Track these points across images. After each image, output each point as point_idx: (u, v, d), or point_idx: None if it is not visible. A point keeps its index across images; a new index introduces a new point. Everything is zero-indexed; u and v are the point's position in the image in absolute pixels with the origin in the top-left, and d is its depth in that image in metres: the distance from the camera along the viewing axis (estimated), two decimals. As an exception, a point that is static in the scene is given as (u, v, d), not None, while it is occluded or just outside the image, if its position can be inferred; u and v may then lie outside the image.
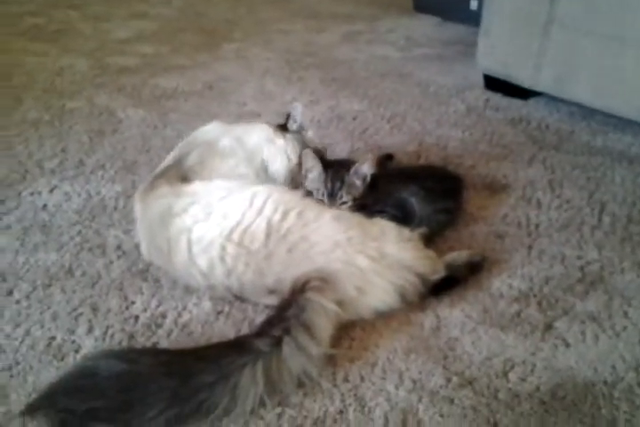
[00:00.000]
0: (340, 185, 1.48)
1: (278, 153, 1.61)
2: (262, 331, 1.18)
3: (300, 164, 1.57)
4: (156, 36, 3.21)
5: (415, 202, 1.50)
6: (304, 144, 1.64)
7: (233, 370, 1.07)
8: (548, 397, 1.13)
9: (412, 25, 3.43)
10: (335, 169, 1.51)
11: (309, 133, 1.69)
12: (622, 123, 2.17)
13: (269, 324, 1.19)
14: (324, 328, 1.19)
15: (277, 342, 1.13)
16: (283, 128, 1.66)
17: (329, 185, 1.48)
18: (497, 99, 2.45)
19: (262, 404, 1.09)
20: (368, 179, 1.50)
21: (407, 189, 1.52)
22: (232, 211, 1.35)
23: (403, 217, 1.45)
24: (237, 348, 1.14)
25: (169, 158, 1.57)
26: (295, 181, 1.59)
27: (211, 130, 1.63)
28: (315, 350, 1.15)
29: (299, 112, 1.64)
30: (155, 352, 1.21)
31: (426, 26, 3.42)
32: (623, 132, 2.16)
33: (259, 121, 1.90)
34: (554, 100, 2.35)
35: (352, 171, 1.48)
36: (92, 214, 1.68)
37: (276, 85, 2.60)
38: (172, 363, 1.11)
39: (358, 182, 1.49)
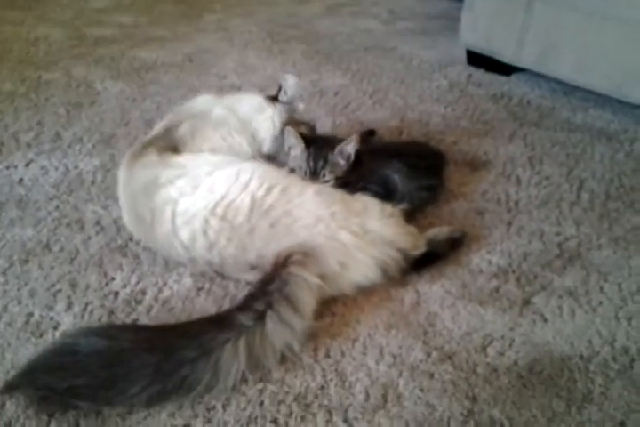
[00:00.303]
0: (322, 164, 1.47)
1: (266, 121, 1.59)
2: (245, 305, 1.18)
3: (281, 140, 1.55)
4: (134, 5, 3.13)
5: (398, 179, 1.49)
6: (293, 115, 1.63)
7: (215, 346, 1.08)
8: (526, 371, 1.15)
9: (396, -3, 3.39)
10: (318, 147, 1.49)
11: (301, 106, 1.66)
12: (602, 99, 2.18)
13: (252, 298, 1.19)
14: (307, 302, 1.20)
15: (260, 316, 1.13)
16: (274, 99, 1.64)
17: (311, 164, 1.47)
18: (479, 74, 2.44)
19: (244, 380, 1.10)
20: (352, 158, 1.49)
21: (390, 166, 1.51)
22: (218, 185, 1.34)
23: (385, 194, 1.45)
24: (219, 323, 1.14)
25: (157, 128, 1.55)
26: (278, 150, 1.58)
27: (202, 101, 1.62)
28: (298, 323, 1.16)
29: (290, 84, 1.61)
30: (135, 328, 1.20)
31: (409, -1, 3.38)
32: (603, 108, 2.17)
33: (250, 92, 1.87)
34: (536, 76, 2.35)
35: (336, 151, 1.47)
36: (70, 189, 1.66)
37: (257, 58, 2.55)
38: (154, 339, 1.11)
39: (342, 162, 1.48)
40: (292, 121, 1.61)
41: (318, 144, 1.50)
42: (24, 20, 2.83)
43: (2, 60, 2.42)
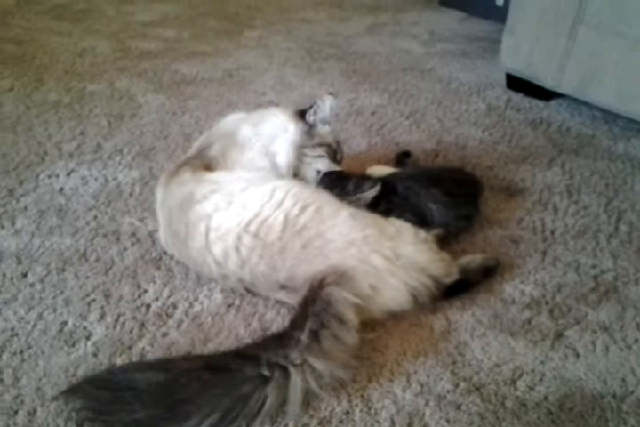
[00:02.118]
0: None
1: (285, 145, 1.57)
2: (296, 326, 1.17)
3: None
4: (178, 19, 3.19)
5: (436, 209, 1.48)
6: (315, 139, 1.60)
7: (275, 368, 1.08)
8: (556, 407, 1.13)
9: (437, 19, 3.40)
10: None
11: (326, 128, 1.62)
12: (645, 129, 2.15)
13: (300, 320, 1.19)
14: (353, 318, 1.20)
15: (314, 335, 1.14)
16: (301, 115, 1.61)
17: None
18: (518, 99, 2.42)
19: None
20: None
21: (429, 196, 1.50)
22: (252, 202, 1.35)
23: (420, 223, 1.43)
24: (276, 344, 1.14)
25: (192, 149, 1.58)
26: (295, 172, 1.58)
27: (231, 120, 1.63)
28: (351, 339, 1.17)
29: (325, 105, 1.58)
30: (191, 358, 1.20)
31: (450, 20, 3.38)
32: (646, 138, 2.14)
33: (274, 106, 1.86)
34: (576, 102, 2.33)
35: None
36: (108, 200, 1.69)
37: (295, 76, 2.58)
38: (212, 364, 1.11)
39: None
40: (312, 144, 1.59)
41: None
42: (71, 32, 2.90)
43: (48, 70, 2.48)
